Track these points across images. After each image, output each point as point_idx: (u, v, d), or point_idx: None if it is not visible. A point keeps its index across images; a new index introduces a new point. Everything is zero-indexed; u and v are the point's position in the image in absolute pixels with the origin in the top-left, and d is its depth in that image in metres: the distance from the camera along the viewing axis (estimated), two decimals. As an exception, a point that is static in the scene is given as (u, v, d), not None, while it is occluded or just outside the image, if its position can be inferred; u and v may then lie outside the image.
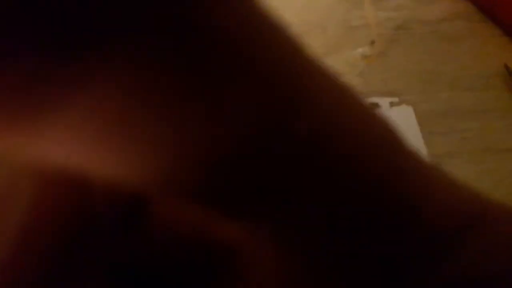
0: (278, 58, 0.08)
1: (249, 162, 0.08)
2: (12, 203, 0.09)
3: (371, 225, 0.09)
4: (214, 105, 0.07)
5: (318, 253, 0.09)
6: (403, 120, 0.37)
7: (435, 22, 0.45)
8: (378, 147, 0.09)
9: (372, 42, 0.38)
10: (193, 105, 0.07)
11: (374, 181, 0.09)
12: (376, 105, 0.38)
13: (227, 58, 0.07)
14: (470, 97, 0.39)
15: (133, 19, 0.07)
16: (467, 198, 0.11)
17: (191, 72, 0.07)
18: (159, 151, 0.08)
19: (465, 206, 0.10)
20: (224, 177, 0.08)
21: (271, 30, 0.08)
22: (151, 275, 0.10)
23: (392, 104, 0.38)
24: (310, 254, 0.09)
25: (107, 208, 0.09)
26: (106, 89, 0.07)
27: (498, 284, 0.10)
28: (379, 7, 0.45)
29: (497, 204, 0.11)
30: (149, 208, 0.09)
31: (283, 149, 0.08)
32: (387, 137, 0.10)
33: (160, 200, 0.09)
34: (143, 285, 0.10)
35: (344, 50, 0.40)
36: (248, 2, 0.08)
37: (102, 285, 0.09)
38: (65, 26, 0.06)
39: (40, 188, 0.09)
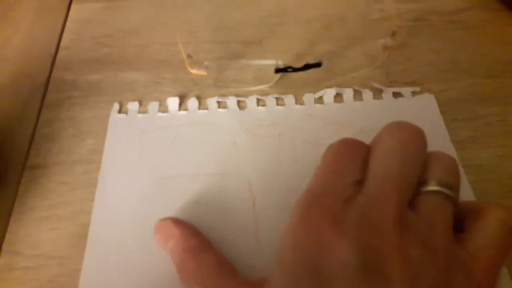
0: None
1: None
2: None
3: None
4: None
5: None
6: (426, 108, 0.38)
7: (453, 13, 0.46)
8: None
9: (393, 34, 0.39)
10: None
11: None
12: (398, 94, 0.39)
13: None
14: (490, 84, 0.40)
15: None
16: None
17: None
18: None
19: None
20: None
21: None
22: None
23: (414, 94, 0.39)
24: None
25: None
26: None
27: None
28: (398, 0, 0.46)
29: None
30: None
31: None
32: None
33: None
34: None
35: (365, 42, 0.41)
36: None
37: None
38: None
39: None
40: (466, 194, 0.33)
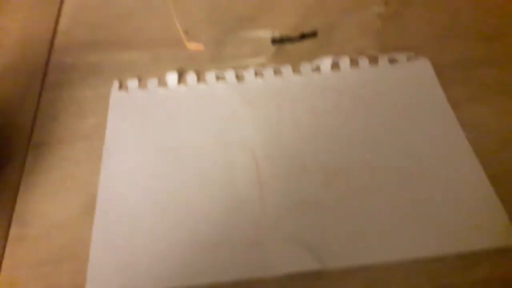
0: None
1: None
2: None
3: None
4: None
5: None
6: (421, 72, 0.38)
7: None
8: None
9: (386, 2, 0.39)
10: None
11: None
12: (393, 60, 0.39)
13: None
14: (485, 47, 0.40)
15: None
16: None
17: None
18: None
19: None
20: None
21: None
22: None
23: (409, 59, 0.39)
24: None
25: None
26: None
27: None
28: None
29: None
30: None
31: None
32: None
33: None
34: None
35: (359, 11, 0.42)
36: None
37: None
38: None
39: None
40: (465, 150, 0.33)
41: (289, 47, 0.40)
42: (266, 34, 0.38)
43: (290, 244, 0.29)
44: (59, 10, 0.46)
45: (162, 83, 0.39)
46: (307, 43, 0.39)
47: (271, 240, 0.30)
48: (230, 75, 0.39)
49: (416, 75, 0.38)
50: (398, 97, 0.37)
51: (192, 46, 0.39)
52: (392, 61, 0.39)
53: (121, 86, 0.39)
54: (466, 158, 0.33)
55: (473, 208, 0.31)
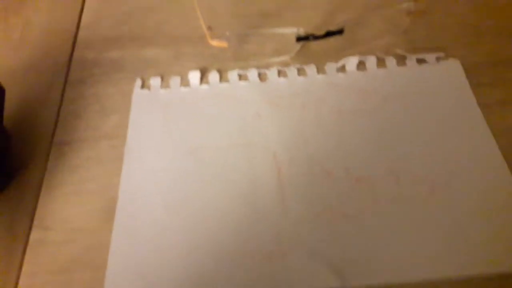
0: None
1: None
2: None
3: None
4: None
5: None
6: (451, 73, 0.37)
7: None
8: None
9: (416, -2, 0.38)
10: None
11: None
12: (422, 61, 0.38)
13: None
14: (517, 47, 0.38)
15: None
16: None
17: None
18: None
19: None
20: None
21: None
22: None
23: (438, 59, 0.38)
24: None
25: None
26: None
27: None
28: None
29: None
30: None
31: None
32: None
33: None
34: None
35: (386, 8, 0.40)
36: None
37: None
38: None
39: None
40: (496, 160, 0.32)
41: (313, 45, 0.39)
42: (290, 31, 0.37)
43: (311, 258, 0.29)
44: (83, 3, 0.45)
45: (185, 81, 0.38)
46: (332, 41, 0.38)
47: (292, 253, 0.29)
48: (252, 74, 0.38)
49: (445, 76, 0.37)
50: (427, 100, 0.35)
51: (215, 43, 0.38)
52: (420, 61, 0.38)
53: (143, 84, 0.38)
54: (497, 168, 0.32)
55: (505, 225, 0.29)
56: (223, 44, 0.38)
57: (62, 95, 0.38)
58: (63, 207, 0.32)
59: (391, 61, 0.38)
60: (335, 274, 0.28)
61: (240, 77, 0.38)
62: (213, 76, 0.38)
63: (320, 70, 0.38)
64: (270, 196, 0.32)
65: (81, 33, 0.43)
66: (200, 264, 0.29)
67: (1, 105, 0.33)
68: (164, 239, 0.30)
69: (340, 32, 0.37)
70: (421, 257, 0.29)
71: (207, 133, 0.35)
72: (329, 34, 0.37)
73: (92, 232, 0.31)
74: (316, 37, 0.37)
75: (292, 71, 0.38)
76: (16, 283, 0.29)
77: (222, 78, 0.38)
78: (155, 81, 0.38)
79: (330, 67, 0.38)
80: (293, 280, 0.28)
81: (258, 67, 0.39)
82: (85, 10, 0.45)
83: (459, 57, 0.38)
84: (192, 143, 0.34)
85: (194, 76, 0.38)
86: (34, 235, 0.31)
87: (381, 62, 0.38)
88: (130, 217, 0.31)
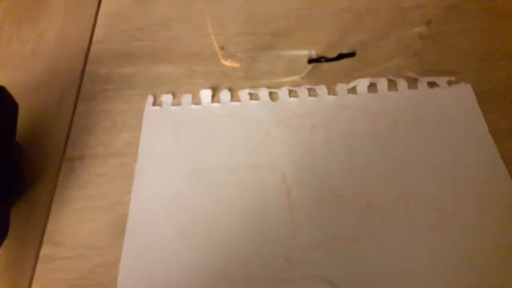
0: None
1: None
2: None
3: None
4: None
5: None
6: (462, 98, 0.37)
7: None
8: None
9: (429, 22, 0.38)
10: None
11: None
12: (434, 84, 0.38)
13: None
14: (530, 73, 0.38)
15: None
16: None
17: None
18: None
19: None
20: None
21: None
22: None
23: (449, 83, 0.38)
24: None
25: None
26: None
27: None
28: (431, -13, 0.45)
29: None
30: None
31: None
32: None
33: None
34: None
35: (397, 31, 0.41)
36: None
37: None
38: None
39: None
40: (507, 186, 0.32)
41: (325, 65, 0.40)
42: (303, 52, 0.38)
43: (320, 283, 0.29)
44: (95, 19, 0.46)
45: (196, 99, 0.38)
46: (343, 62, 0.38)
47: (299, 279, 0.29)
48: (263, 93, 0.38)
49: (456, 101, 0.37)
50: (437, 125, 0.35)
51: (228, 63, 0.39)
52: (432, 84, 0.38)
53: (155, 101, 0.38)
54: (508, 196, 0.32)
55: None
56: (235, 64, 0.38)
57: (74, 111, 0.38)
58: (73, 223, 0.33)
59: (402, 84, 0.38)
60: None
61: (251, 96, 0.38)
62: (224, 94, 0.38)
63: (331, 91, 0.38)
64: (279, 220, 0.32)
65: (93, 48, 0.43)
66: (209, 285, 0.29)
67: (14, 119, 0.33)
68: (174, 258, 0.30)
69: (352, 54, 0.37)
70: (430, 284, 0.28)
71: (217, 153, 0.35)
72: (341, 56, 0.37)
73: (102, 249, 0.31)
74: (328, 60, 0.37)
75: (303, 91, 0.38)
76: (25, 300, 0.29)
77: (233, 96, 0.39)
78: (166, 98, 0.38)
79: (341, 88, 0.38)
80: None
81: (269, 87, 0.39)
82: (97, 25, 0.45)
83: (471, 82, 0.38)
84: (201, 163, 0.35)
85: (205, 94, 0.38)
86: (44, 251, 0.31)
87: (392, 85, 0.38)
88: (140, 235, 0.31)
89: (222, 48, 0.38)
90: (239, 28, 0.44)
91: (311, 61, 0.37)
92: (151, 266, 0.30)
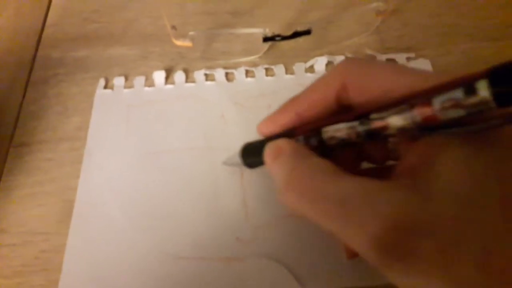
0: None
1: None
2: None
3: None
4: None
5: None
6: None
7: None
8: None
9: (386, -3, 0.37)
10: None
11: None
12: (392, 60, 0.37)
13: None
14: (490, 47, 0.38)
15: None
16: None
17: None
18: None
19: None
20: None
21: None
22: None
23: (408, 59, 0.37)
24: None
25: None
26: None
27: None
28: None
29: None
30: None
31: None
32: None
33: None
34: None
35: (356, 7, 0.40)
36: None
37: None
38: None
39: None
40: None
41: (283, 44, 0.39)
42: (256, 30, 0.37)
43: (270, 261, 0.28)
44: (49, 1, 0.44)
45: (149, 81, 0.37)
46: (302, 41, 0.37)
47: (251, 257, 0.29)
48: (219, 74, 0.37)
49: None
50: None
51: (179, 42, 0.37)
52: (390, 61, 0.37)
53: (107, 84, 0.37)
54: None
55: None
56: (187, 44, 0.37)
57: (24, 95, 0.37)
58: (19, 209, 0.32)
59: (360, 62, 0.37)
60: (296, 280, 0.27)
61: (207, 77, 0.38)
62: (179, 76, 0.37)
63: (288, 70, 0.37)
64: (232, 200, 0.31)
65: (47, 31, 0.42)
66: (157, 269, 0.29)
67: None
68: (121, 243, 0.30)
69: (307, 32, 0.36)
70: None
71: (169, 135, 0.34)
72: (296, 34, 0.36)
73: (48, 235, 0.30)
74: (283, 38, 0.36)
75: (260, 71, 0.37)
76: (-33, 289, 0.29)
77: (189, 78, 0.38)
78: (118, 81, 0.37)
79: (299, 67, 0.37)
80: (251, 285, 0.28)
81: (225, 67, 0.38)
82: (51, 7, 0.44)
83: (431, 58, 0.37)
84: (153, 146, 0.34)
85: (158, 76, 0.37)
86: (-12, 239, 0.31)
87: (350, 63, 0.37)
88: (86, 221, 0.31)
89: (174, 27, 0.37)
90: (198, 7, 0.43)
91: (266, 39, 0.36)
92: (99, 249, 0.29)
